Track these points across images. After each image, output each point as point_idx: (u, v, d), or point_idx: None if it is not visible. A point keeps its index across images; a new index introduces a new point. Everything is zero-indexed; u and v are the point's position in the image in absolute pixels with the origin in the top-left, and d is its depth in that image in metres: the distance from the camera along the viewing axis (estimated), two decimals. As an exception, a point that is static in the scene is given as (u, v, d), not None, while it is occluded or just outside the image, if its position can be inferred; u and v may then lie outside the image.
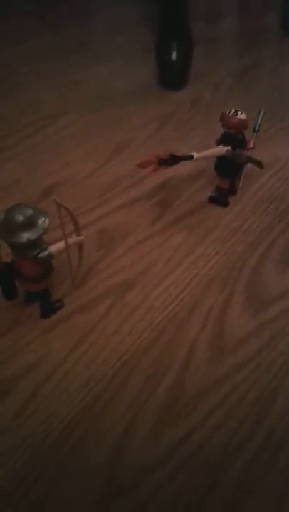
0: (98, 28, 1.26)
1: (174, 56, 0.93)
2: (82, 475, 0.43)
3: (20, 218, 0.47)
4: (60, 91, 0.96)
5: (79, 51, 1.13)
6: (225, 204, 0.69)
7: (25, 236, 0.47)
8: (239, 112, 0.62)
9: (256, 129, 0.67)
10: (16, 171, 0.76)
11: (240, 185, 0.70)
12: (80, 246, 0.53)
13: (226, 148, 0.63)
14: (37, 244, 0.49)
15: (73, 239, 0.51)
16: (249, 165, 0.68)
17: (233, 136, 0.63)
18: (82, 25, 1.27)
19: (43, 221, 0.48)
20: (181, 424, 0.46)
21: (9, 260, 0.50)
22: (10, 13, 1.34)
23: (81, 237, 0.52)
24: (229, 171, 0.67)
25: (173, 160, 0.61)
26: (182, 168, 0.68)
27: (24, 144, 0.82)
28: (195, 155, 0.62)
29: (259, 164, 0.66)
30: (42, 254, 0.49)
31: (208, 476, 0.43)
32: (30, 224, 0.47)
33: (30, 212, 0.48)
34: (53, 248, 0.50)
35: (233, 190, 0.70)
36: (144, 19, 1.28)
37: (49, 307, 0.56)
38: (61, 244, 0.51)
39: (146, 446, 0.44)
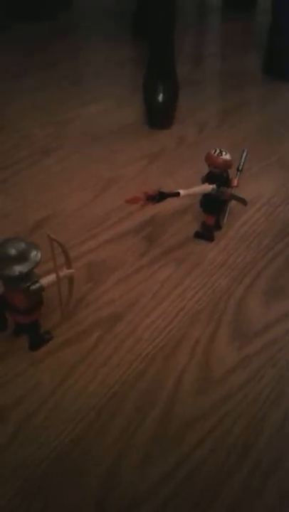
0: (89, 66, 1.31)
1: (160, 97, 0.98)
2: (73, 506, 0.43)
3: (12, 252, 0.48)
4: (52, 127, 0.99)
5: (70, 89, 1.17)
6: (210, 239, 0.72)
7: (17, 269, 0.48)
8: (224, 153, 0.65)
9: (240, 168, 0.70)
10: (7, 205, 0.78)
11: (224, 221, 0.72)
12: (70, 279, 0.54)
13: (211, 187, 0.66)
14: (28, 277, 0.50)
15: (64, 272, 0.53)
16: (233, 202, 0.71)
17: (218, 175, 0.66)
18: (74, 64, 1.32)
19: (35, 254, 0.50)
20: (170, 456, 0.46)
21: (0, 292, 0.52)
22: (2, 50, 1.38)
23: (72, 271, 0.53)
24: (214, 207, 0.70)
25: (161, 197, 0.63)
26: (169, 204, 0.71)
27: (16, 178, 0.84)
28: (182, 192, 0.65)
29: (243, 201, 0.69)
30: (33, 287, 0.50)
31: (197, 507, 0.43)
32: (22, 257, 0.49)
33: (22, 245, 0.49)
34: (44, 281, 0.51)
35: (218, 226, 0.73)
36: (134, 59, 1.33)
37: (38, 339, 0.56)
38: (52, 277, 0.52)
39: (135, 479, 0.45)
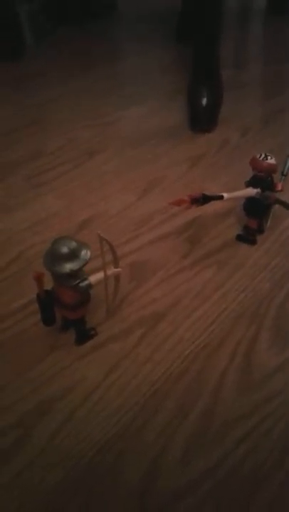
0: (132, 69, 1.34)
1: (204, 101, 0.99)
2: (114, 498, 0.44)
3: (64, 250, 0.51)
4: (97, 130, 1.02)
5: (113, 91, 1.20)
6: (252, 242, 0.72)
7: (69, 266, 0.51)
8: (269, 157, 0.65)
9: (284, 172, 0.70)
10: (55, 204, 0.81)
11: (267, 225, 0.73)
12: (117, 277, 0.56)
13: (255, 190, 0.67)
14: (78, 274, 0.52)
15: (112, 270, 0.55)
16: (276, 206, 0.71)
17: (263, 179, 0.67)
18: (117, 67, 1.35)
19: (85, 253, 0.52)
20: (210, 453, 0.47)
21: (50, 288, 0.54)
22: (48, 54, 1.43)
23: (119, 269, 0.55)
24: (258, 211, 0.70)
25: (205, 199, 0.64)
26: (211, 207, 0.72)
27: (62, 178, 0.87)
28: (225, 195, 0.66)
29: (286, 206, 0.69)
30: (82, 284, 0.52)
31: (236, 504, 0.44)
32: (73, 255, 0.51)
33: (74, 244, 0.51)
34: (93, 279, 0.53)
35: (260, 230, 0.73)
36: (176, 62, 1.35)
37: (84, 335, 0.59)
38: (100, 275, 0.54)
39: (177, 473, 0.46)
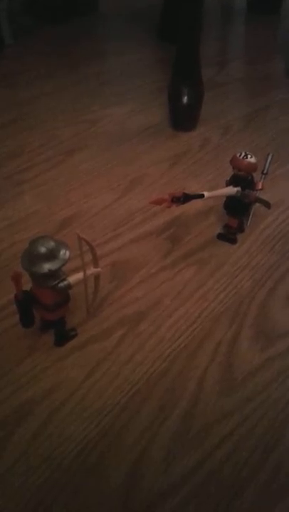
0: (114, 68, 1.33)
1: (185, 99, 0.98)
2: (98, 499, 0.44)
3: (42, 250, 0.50)
4: (78, 128, 1.01)
5: (95, 90, 1.19)
6: (233, 241, 0.72)
7: (47, 267, 0.50)
8: (249, 156, 0.65)
9: (265, 171, 0.71)
10: (35, 203, 0.79)
11: (248, 223, 0.73)
12: (96, 277, 0.56)
13: (236, 189, 0.67)
14: (56, 274, 0.51)
15: (91, 270, 0.54)
16: (256, 205, 0.71)
17: (243, 178, 0.67)
18: (99, 66, 1.34)
19: (64, 253, 0.51)
20: (192, 453, 0.47)
21: (28, 289, 0.53)
22: (28, 52, 1.41)
23: (99, 269, 0.54)
24: (238, 210, 0.70)
25: (185, 198, 0.64)
26: (192, 206, 0.71)
27: (42, 176, 0.86)
28: (206, 194, 0.65)
29: (267, 204, 0.70)
30: (61, 285, 0.52)
31: (218, 505, 0.44)
32: (51, 255, 0.50)
33: (52, 244, 0.50)
34: (72, 279, 0.52)
35: (241, 229, 0.73)
36: (159, 61, 1.34)
37: (64, 336, 0.58)
38: (79, 275, 0.53)
39: (160, 473, 0.46)
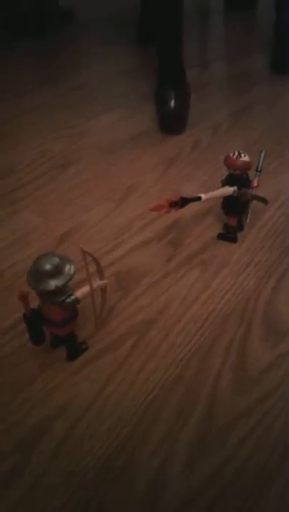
0: (96, 78, 1.33)
1: (172, 103, 0.99)
2: (123, 509, 0.44)
3: (48, 267, 0.50)
4: (68, 141, 1.01)
5: (80, 101, 1.19)
6: (234, 240, 0.73)
7: (53, 283, 0.50)
8: (242, 154, 0.66)
9: (259, 169, 0.71)
10: (32, 220, 0.80)
11: (247, 221, 0.73)
12: (103, 289, 0.56)
13: (232, 189, 0.67)
14: (63, 290, 0.51)
15: (97, 283, 0.54)
16: (253, 202, 0.71)
17: (238, 177, 0.67)
18: (81, 76, 1.34)
19: (68, 268, 0.51)
20: (213, 457, 0.47)
21: (36, 307, 0.53)
22: (8, 68, 1.41)
23: (105, 281, 0.54)
24: (236, 209, 0.70)
25: (183, 202, 0.64)
26: (189, 209, 0.72)
27: (37, 193, 0.86)
28: (203, 196, 0.66)
29: (263, 200, 0.70)
30: (68, 300, 0.52)
31: (243, 506, 0.44)
32: (57, 272, 0.50)
33: (56, 260, 0.51)
34: (79, 293, 0.53)
35: (240, 227, 0.73)
36: (140, 67, 1.35)
37: (75, 350, 0.58)
38: (85, 289, 0.53)
39: (182, 479, 0.45)
